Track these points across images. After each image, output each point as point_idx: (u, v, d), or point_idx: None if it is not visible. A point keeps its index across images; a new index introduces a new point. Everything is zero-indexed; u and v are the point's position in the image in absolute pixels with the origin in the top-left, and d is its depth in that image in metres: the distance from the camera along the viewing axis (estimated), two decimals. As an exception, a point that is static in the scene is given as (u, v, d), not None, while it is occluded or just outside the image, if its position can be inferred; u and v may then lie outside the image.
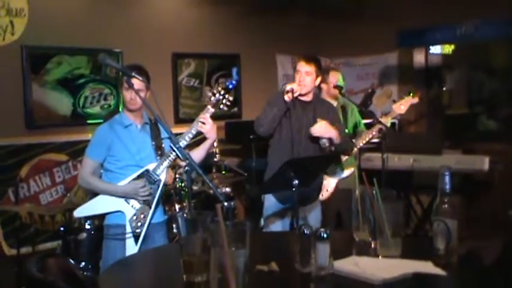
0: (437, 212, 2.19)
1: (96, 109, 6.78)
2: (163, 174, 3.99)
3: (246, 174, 6.83)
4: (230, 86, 4.02)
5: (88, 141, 4.16)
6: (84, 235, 4.91)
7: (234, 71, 7.95)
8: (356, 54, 8.71)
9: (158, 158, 4.02)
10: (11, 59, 6.13)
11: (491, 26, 7.13)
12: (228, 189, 6.28)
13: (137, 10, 7.17)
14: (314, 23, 8.66)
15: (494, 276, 2.08)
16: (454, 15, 7.37)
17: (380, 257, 2.25)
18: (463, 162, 5.92)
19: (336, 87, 5.25)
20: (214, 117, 4.07)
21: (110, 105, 6.87)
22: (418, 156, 6.23)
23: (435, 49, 8.73)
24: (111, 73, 6.78)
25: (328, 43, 8.68)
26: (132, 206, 3.94)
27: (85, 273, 4.73)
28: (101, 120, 6.05)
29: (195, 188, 6.00)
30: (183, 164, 4.17)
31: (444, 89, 9.21)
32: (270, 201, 4.68)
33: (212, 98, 3.99)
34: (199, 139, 4.12)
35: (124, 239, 3.89)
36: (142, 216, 3.94)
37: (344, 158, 5.23)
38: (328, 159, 4.67)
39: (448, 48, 8.89)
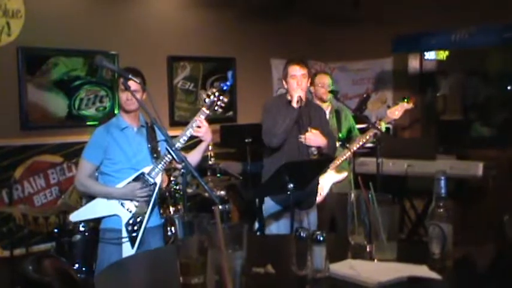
0: (433, 216, 2.20)
1: (91, 111, 6.77)
2: (158, 177, 3.99)
3: (241, 177, 6.84)
4: (224, 88, 4.02)
5: (83, 143, 4.16)
6: (78, 237, 4.91)
7: (229, 74, 7.96)
8: (351, 59, 8.74)
9: (154, 161, 4.02)
10: (7, 60, 6.13)
11: (486, 32, 7.16)
12: (222, 192, 6.28)
13: (134, 13, 7.17)
14: (310, 28, 8.68)
15: (488, 281, 2.09)
16: (448, 22, 7.40)
17: (375, 260, 2.25)
18: (457, 168, 5.93)
19: (331, 92, 5.27)
20: (209, 120, 4.07)
21: (105, 108, 6.87)
22: (412, 161, 6.24)
23: (430, 55, 8.76)
24: (107, 75, 6.78)
25: (324, 48, 8.70)
26: (128, 210, 3.93)
27: (79, 275, 4.72)
28: (96, 122, 6.05)
29: (189, 190, 6.00)
30: (179, 166, 4.18)
31: (438, 94, 9.24)
32: (270, 203, 4.69)
33: (207, 100, 3.99)
34: (193, 142, 4.14)
35: (120, 244, 3.88)
36: (138, 220, 3.94)
37: (337, 162, 5.24)
38: (323, 163, 4.69)
39: (443, 54, 8.93)
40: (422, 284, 2.02)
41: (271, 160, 4.61)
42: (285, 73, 4.63)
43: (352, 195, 2.42)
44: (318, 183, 4.91)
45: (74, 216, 4.12)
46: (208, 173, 6.58)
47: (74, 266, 4.81)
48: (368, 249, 2.33)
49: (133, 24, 7.14)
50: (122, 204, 3.94)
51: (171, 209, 5.70)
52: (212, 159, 6.64)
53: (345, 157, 5.24)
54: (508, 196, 5.83)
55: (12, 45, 6.16)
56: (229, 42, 8.05)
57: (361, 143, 5.26)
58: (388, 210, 2.26)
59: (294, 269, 2.14)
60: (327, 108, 5.43)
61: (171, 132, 3.92)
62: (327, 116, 5.36)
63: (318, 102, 5.36)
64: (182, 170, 3.62)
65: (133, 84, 3.75)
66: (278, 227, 4.65)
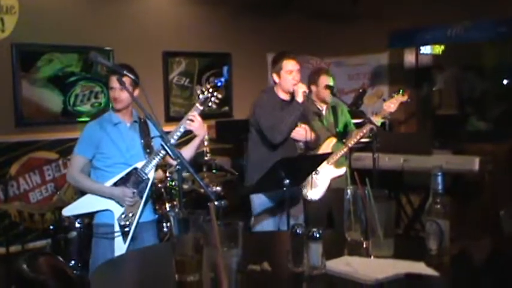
0: (430, 213, 2.19)
1: (86, 107, 6.76)
2: (151, 173, 3.98)
3: (237, 173, 6.83)
4: (219, 84, 4.01)
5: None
6: (74, 234, 4.90)
7: (225, 69, 7.94)
8: (347, 54, 8.73)
9: (147, 156, 4.01)
10: (1, 57, 6.13)
11: (481, 27, 7.16)
12: (218, 188, 6.27)
13: (128, 8, 7.15)
14: (305, 23, 8.67)
15: (485, 277, 2.08)
16: (444, 16, 7.40)
17: (372, 257, 2.24)
18: (453, 163, 5.92)
19: (327, 87, 5.24)
20: (205, 116, 4.07)
21: (100, 103, 6.85)
22: (408, 156, 6.23)
23: (425, 49, 8.76)
24: (102, 71, 6.76)
25: (320, 43, 8.69)
26: (120, 205, 3.93)
27: (74, 272, 4.71)
28: (90, 118, 6.03)
29: (185, 186, 5.99)
30: (173, 162, 4.17)
31: (434, 89, 9.25)
32: (260, 200, 4.67)
33: (201, 96, 3.98)
34: (188, 138, 4.12)
35: (113, 238, 3.88)
36: (130, 214, 3.93)
37: (335, 157, 5.23)
38: (319, 158, 4.69)
39: (438, 49, 8.94)
40: (419, 281, 2.01)
41: (258, 155, 4.61)
42: (279, 67, 4.60)
43: (349, 191, 2.40)
44: (301, 191, 4.89)
45: (67, 211, 4.11)
46: (204, 169, 6.57)
47: (70, 262, 4.80)
48: (365, 246, 2.33)
49: (128, 20, 7.12)
50: (113, 199, 3.94)
51: (167, 205, 5.69)
52: (208, 154, 6.63)
53: (342, 152, 5.23)
54: (504, 191, 5.83)
55: (7, 41, 6.14)
56: (224, 38, 8.03)
57: (357, 138, 5.24)
58: (384, 207, 2.26)
59: (290, 266, 2.13)
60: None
61: (167, 128, 3.92)
62: (324, 112, 5.36)
63: (319, 102, 5.34)
64: (178, 167, 3.60)
65: (114, 80, 3.78)
66: (266, 226, 4.64)
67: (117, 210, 3.91)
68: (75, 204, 4.10)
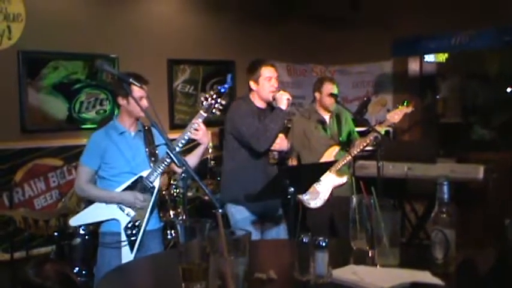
0: (436, 222, 2.20)
1: (91, 114, 6.77)
2: (156, 181, 3.98)
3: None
4: (222, 90, 4.00)
5: (83, 146, 4.14)
6: (78, 240, 4.91)
7: (229, 77, 7.95)
8: (351, 62, 8.73)
9: (152, 164, 4.02)
10: (7, 64, 6.14)
11: (485, 35, 7.16)
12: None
13: (134, 16, 7.18)
14: (309, 31, 8.68)
15: (490, 286, 2.09)
16: (448, 25, 7.40)
17: (378, 266, 2.25)
18: (457, 171, 5.93)
19: (331, 95, 5.25)
20: (208, 123, 4.06)
21: (105, 111, 6.87)
22: (413, 164, 6.23)
23: (429, 57, 8.76)
24: (107, 79, 6.79)
25: (324, 51, 8.70)
26: (127, 214, 3.92)
27: (79, 278, 4.72)
28: (96, 126, 6.05)
29: (189, 194, 6.00)
30: (178, 170, 4.17)
31: (438, 97, 9.24)
32: (241, 216, 4.53)
33: (204, 103, 3.97)
34: (192, 146, 4.13)
35: (119, 247, 3.87)
36: (137, 223, 3.93)
37: (338, 166, 5.23)
38: (323, 167, 4.68)
39: (442, 57, 8.93)
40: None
41: (234, 164, 4.55)
42: (257, 75, 4.49)
43: (354, 200, 2.41)
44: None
45: (74, 221, 4.11)
46: (208, 176, 6.58)
47: (74, 269, 4.80)
48: (370, 255, 2.33)
49: (133, 28, 7.14)
50: (120, 208, 3.93)
51: (171, 212, 5.70)
52: (212, 162, 6.64)
53: (345, 161, 5.23)
54: (509, 199, 5.83)
55: (13, 48, 6.17)
56: (228, 46, 8.04)
57: (361, 147, 5.25)
58: (390, 216, 2.26)
59: (296, 274, 2.13)
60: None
61: (171, 135, 3.91)
62: (328, 121, 5.35)
63: (322, 110, 5.34)
64: (183, 174, 3.60)
65: (140, 90, 3.76)
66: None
67: (124, 219, 3.91)
68: (82, 214, 4.10)
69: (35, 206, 6.34)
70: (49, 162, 6.43)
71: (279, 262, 2.48)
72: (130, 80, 3.66)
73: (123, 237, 3.89)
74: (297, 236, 2.18)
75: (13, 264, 5.55)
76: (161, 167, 3.93)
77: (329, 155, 5.26)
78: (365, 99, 6.80)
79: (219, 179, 6.56)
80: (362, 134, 5.43)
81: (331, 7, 8.39)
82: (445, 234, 2.16)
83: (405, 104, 5.33)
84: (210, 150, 6.31)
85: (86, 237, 4.88)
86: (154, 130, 4.07)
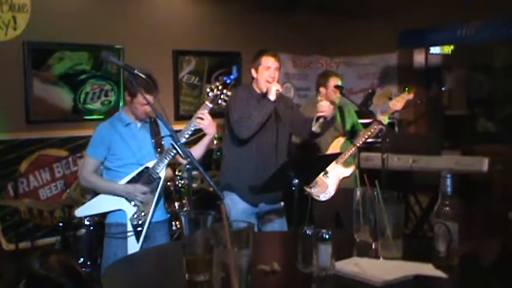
0: (439, 215, 2.20)
1: (96, 105, 6.77)
2: (162, 172, 4.00)
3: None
4: (228, 81, 4.01)
5: (88, 137, 4.17)
6: (83, 231, 4.92)
7: (234, 68, 7.95)
8: (356, 53, 8.71)
9: (158, 155, 4.03)
10: (13, 54, 6.14)
11: (491, 27, 7.13)
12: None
13: (139, 7, 7.16)
14: (315, 22, 8.65)
15: (494, 278, 2.09)
16: (454, 17, 7.38)
17: (381, 258, 2.26)
18: (462, 163, 5.92)
19: (337, 87, 5.25)
20: (214, 114, 4.07)
21: (110, 102, 6.87)
22: (417, 156, 6.23)
23: (435, 49, 8.73)
24: (113, 69, 6.79)
25: (329, 42, 8.68)
26: (133, 205, 3.94)
27: (84, 269, 4.74)
28: (101, 117, 6.06)
29: (194, 185, 6.00)
30: (183, 161, 4.18)
31: (444, 89, 9.23)
32: (237, 210, 4.50)
33: (210, 94, 3.98)
34: (197, 136, 4.14)
35: (125, 238, 3.89)
36: (143, 214, 3.95)
37: (344, 157, 5.24)
38: (329, 158, 4.69)
39: (448, 49, 8.90)
40: (428, 283, 2.02)
41: (231, 153, 4.58)
42: (258, 63, 4.51)
43: (358, 192, 2.41)
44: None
45: (79, 212, 4.14)
46: (213, 167, 6.58)
47: (79, 259, 4.82)
48: (374, 247, 2.34)
49: (138, 19, 7.13)
50: (126, 199, 3.95)
51: (176, 204, 5.72)
52: (217, 153, 6.64)
53: (351, 152, 5.25)
54: (513, 192, 5.83)
55: (18, 39, 6.16)
56: (234, 37, 8.03)
57: (366, 137, 5.26)
58: (393, 208, 2.27)
59: (299, 266, 2.14)
60: None
61: (177, 127, 3.93)
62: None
63: None
64: (187, 166, 3.61)
65: (149, 99, 3.71)
66: None
67: (130, 210, 3.93)
68: (88, 205, 4.12)
69: (40, 197, 6.35)
70: (54, 153, 6.44)
71: (282, 254, 2.49)
72: (135, 71, 3.63)
73: (129, 228, 3.91)
74: (304, 228, 2.18)
75: (18, 255, 5.57)
76: (167, 158, 3.95)
77: (335, 147, 5.28)
78: (370, 91, 6.76)
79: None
80: (366, 126, 5.43)
81: (337, -1, 8.38)
82: (448, 227, 2.16)
83: (406, 90, 5.35)
84: (215, 142, 6.30)
85: (91, 228, 4.89)
86: (160, 121, 4.08)
